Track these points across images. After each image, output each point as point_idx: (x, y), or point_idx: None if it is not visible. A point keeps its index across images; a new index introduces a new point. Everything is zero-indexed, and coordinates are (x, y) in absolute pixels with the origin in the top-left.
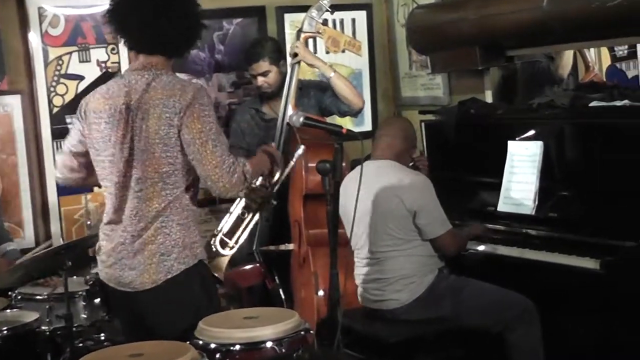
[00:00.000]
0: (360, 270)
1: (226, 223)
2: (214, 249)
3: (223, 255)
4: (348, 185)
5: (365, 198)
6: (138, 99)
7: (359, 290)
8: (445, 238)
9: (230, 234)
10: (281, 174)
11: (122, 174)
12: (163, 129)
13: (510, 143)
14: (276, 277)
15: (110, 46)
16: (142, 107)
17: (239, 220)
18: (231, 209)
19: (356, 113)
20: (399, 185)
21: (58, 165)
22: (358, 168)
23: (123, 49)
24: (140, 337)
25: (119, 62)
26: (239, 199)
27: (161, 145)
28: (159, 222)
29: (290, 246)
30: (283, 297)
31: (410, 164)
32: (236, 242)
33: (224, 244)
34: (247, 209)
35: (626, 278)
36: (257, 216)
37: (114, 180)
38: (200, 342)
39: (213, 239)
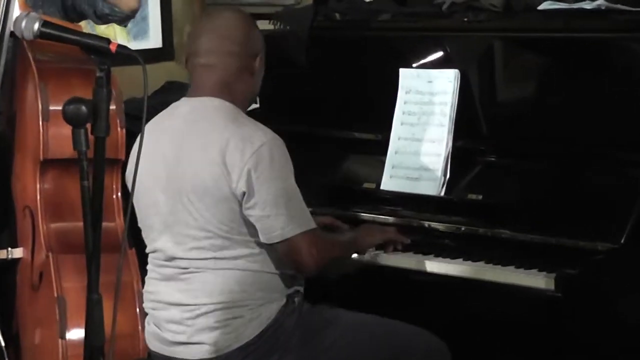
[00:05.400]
0: (153, 285)
1: None
2: None
3: None
4: (152, 133)
5: (169, 162)
6: None
7: (148, 323)
8: (299, 243)
9: None
10: None
11: None
12: None
13: (402, 72)
14: None
15: None
16: None
17: None
18: None
19: (126, 18)
20: (224, 146)
21: None
22: (172, 108)
23: None
24: None
25: None
26: None
27: None
28: None
29: (17, 252)
30: (2, 342)
31: None
32: None
33: None
34: None
35: (595, 303)
36: None
37: None
38: None
39: None
